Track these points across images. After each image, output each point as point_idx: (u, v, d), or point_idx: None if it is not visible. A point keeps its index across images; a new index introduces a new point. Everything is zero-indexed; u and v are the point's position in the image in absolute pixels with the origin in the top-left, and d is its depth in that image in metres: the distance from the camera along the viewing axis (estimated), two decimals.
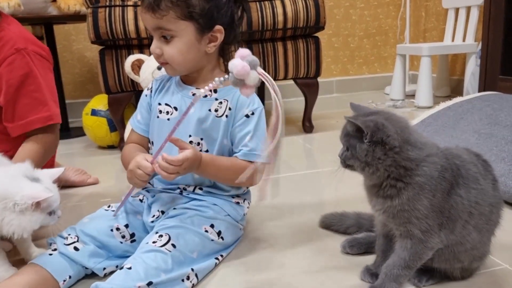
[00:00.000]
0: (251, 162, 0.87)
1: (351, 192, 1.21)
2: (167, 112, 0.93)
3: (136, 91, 1.71)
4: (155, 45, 0.87)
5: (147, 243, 0.80)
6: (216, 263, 0.87)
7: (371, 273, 0.78)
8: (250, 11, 0.96)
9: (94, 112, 1.79)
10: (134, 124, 0.99)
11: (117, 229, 0.88)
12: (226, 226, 0.90)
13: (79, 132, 2.15)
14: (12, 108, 1.02)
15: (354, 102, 0.76)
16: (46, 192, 0.75)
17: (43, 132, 1.06)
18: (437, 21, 2.82)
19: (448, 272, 0.75)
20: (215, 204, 0.91)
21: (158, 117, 0.93)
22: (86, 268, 0.83)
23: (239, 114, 0.90)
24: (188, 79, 0.93)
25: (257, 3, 1.70)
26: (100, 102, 1.80)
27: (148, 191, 0.96)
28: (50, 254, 0.81)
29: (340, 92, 3.03)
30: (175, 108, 0.92)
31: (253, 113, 0.90)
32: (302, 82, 1.87)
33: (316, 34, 1.85)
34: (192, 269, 0.80)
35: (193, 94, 0.90)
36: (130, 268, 0.73)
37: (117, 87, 1.68)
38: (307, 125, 1.93)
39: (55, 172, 0.82)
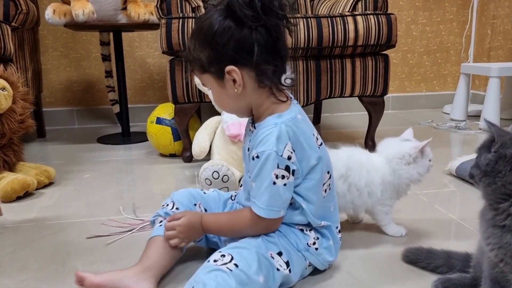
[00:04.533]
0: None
1: (426, 221, 1.17)
2: (244, 141, 0.95)
3: (203, 102, 1.72)
4: None
5: (209, 261, 0.78)
6: None
7: None
8: (282, 33, 0.82)
9: (159, 121, 1.81)
10: None
11: (199, 206, 0.98)
12: (294, 257, 0.86)
13: (139, 137, 2.19)
14: None
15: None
16: (426, 140, 1.01)
17: None
18: (504, 40, 2.70)
19: None
20: (279, 230, 0.87)
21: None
22: None
23: (250, 156, 0.84)
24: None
25: (329, 19, 1.67)
26: (165, 110, 1.83)
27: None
28: (160, 225, 0.94)
29: (396, 109, 2.94)
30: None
31: (258, 157, 0.81)
32: (368, 100, 1.82)
33: (385, 52, 1.80)
34: None
35: (249, 130, 0.90)
36: None
37: (185, 98, 1.69)
38: (370, 144, 1.87)
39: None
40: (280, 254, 0.84)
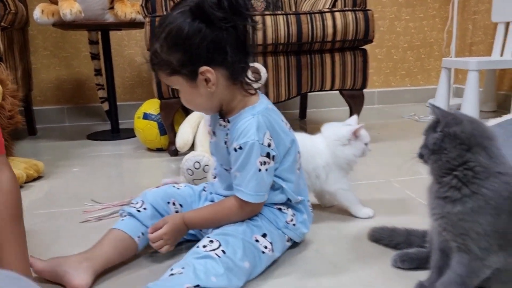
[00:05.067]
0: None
1: (395, 205, 1.23)
2: (211, 136, 0.99)
3: None
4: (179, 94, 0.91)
5: (198, 246, 0.83)
6: None
7: None
8: (247, 32, 0.86)
9: (145, 116, 1.87)
10: None
11: (173, 204, 1.00)
12: (276, 236, 0.93)
13: (128, 133, 2.24)
14: None
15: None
16: (359, 124, 1.11)
17: None
18: (484, 35, 2.77)
19: None
20: (260, 213, 0.93)
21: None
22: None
23: (231, 148, 0.88)
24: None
25: (308, 15, 1.74)
26: (151, 106, 1.89)
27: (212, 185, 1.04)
28: (122, 220, 0.97)
29: (381, 104, 3.01)
30: (214, 133, 0.97)
31: (241, 148, 0.86)
32: (348, 94, 1.89)
33: (363, 47, 1.87)
34: None
35: (219, 124, 0.93)
36: (181, 273, 0.76)
37: (169, 93, 1.75)
38: None
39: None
40: (264, 235, 0.90)
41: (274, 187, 0.93)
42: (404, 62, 3.02)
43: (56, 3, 2.03)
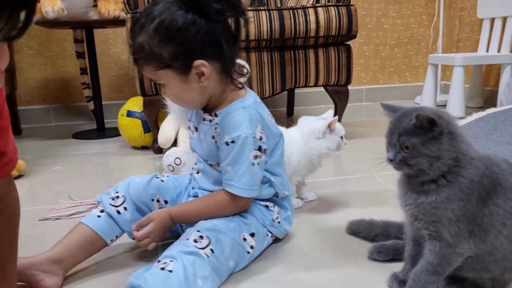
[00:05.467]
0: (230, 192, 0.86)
1: (376, 199, 1.23)
2: (192, 132, 0.97)
3: None
4: (162, 90, 0.88)
5: (188, 239, 0.81)
6: None
7: (399, 280, 0.78)
8: (243, 24, 0.85)
9: (129, 114, 1.85)
10: None
11: (158, 201, 0.95)
12: (261, 234, 0.92)
13: (114, 132, 2.23)
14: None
15: (384, 102, 0.76)
16: (334, 118, 1.12)
17: None
18: (471, 31, 2.78)
19: (479, 282, 0.75)
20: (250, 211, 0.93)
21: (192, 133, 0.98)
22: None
23: (222, 141, 0.86)
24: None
25: (290, 11, 1.73)
26: (135, 104, 1.87)
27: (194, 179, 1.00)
28: (98, 216, 0.91)
29: (369, 101, 3.01)
30: (196, 129, 0.95)
31: (233, 141, 0.84)
32: (333, 90, 1.89)
33: (347, 42, 1.87)
34: None
35: (203, 119, 0.91)
36: (171, 271, 0.74)
37: (152, 90, 1.74)
38: None
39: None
40: (252, 235, 0.89)
41: (262, 181, 0.92)
42: (392, 59, 3.02)
43: (38, 0, 2.01)
